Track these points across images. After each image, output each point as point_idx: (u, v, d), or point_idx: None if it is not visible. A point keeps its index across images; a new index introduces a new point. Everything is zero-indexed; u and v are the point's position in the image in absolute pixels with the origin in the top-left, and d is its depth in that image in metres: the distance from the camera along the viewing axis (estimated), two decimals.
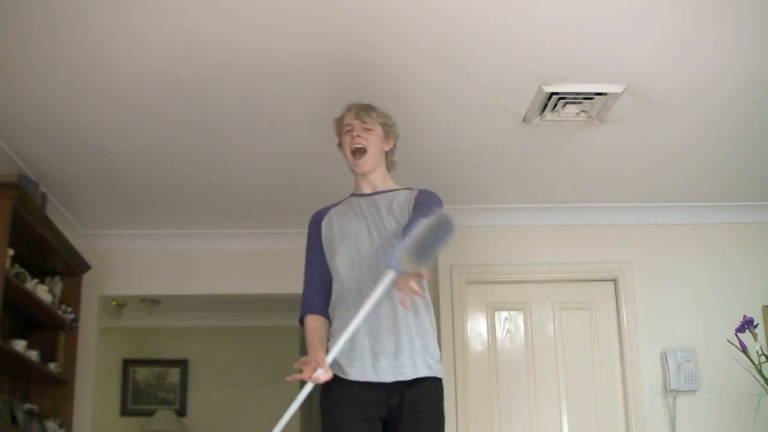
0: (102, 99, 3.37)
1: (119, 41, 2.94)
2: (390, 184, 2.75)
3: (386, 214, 2.60)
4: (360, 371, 2.46)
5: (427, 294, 2.56)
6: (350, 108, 2.74)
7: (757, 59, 3.16)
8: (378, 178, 2.72)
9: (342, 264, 2.56)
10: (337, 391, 2.48)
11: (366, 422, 2.44)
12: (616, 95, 3.40)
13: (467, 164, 4.14)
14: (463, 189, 4.47)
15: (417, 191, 2.67)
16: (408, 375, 2.46)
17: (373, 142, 2.67)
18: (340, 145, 2.75)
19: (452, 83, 3.31)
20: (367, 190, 2.71)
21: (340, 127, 2.75)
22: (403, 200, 2.63)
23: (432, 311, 2.61)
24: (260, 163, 4.04)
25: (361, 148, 2.65)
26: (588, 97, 3.42)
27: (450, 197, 4.57)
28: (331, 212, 2.71)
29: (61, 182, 4.21)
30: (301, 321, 2.63)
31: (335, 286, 2.59)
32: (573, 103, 3.47)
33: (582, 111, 3.55)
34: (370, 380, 2.45)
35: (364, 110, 2.71)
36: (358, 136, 2.66)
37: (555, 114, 3.55)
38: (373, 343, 2.46)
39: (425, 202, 2.58)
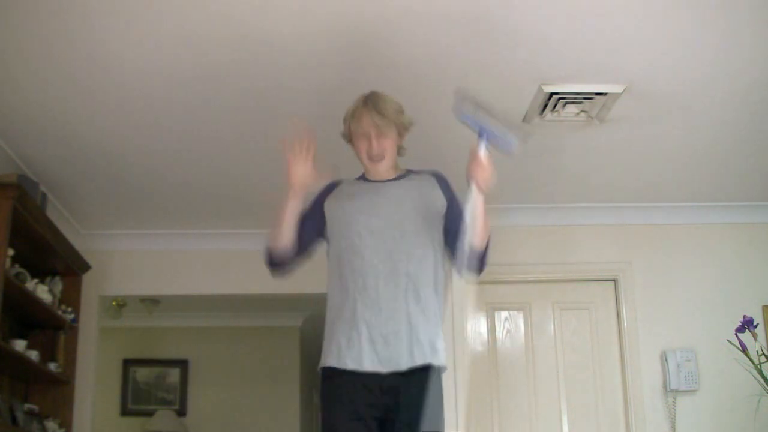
0: (102, 99, 3.37)
1: (119, 41, 2.94)
2: (396, 169, 2.69)
3: (399, 197, 2.58)
4: (356, 360, 2.40)
5: (441, 275, 2.56)
6: (363, 106, 2.61)
7: (758, 59, 3.16)
8: (388, 168, 2.66)
9: (360, 233, 2.51)
10: (332, 388, 2.45)
11: (359, 423, 2.40)
12: (616, 95, 3.40)
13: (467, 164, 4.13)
14: (463, 189, 4.46)
15: (435, 176, 2.67)
16: (403, 365, 2.40)
17: (389, 146, 2.60)
18: (347, 136, 2.66)
19: (452, 83, 3.31)
20: (374, 177, 2.65)
21: (352, 124, 2.62)
22: (424, 184, 2.63)
23: (442, 295, 2.57)
24: (261, 163, 4.04)
25: (378, 155, 2.59)
26: (588, 97, 3.42)
27: None
28: (341, 188, 2.66)
29: (61, 182, 4.21)
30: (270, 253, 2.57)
31: (339, 266, 2.54)
32: (573, 103, 3.47)
33: (582, 111, 3.54)
34: (366, 370, 2.40)
35: (378, 115, 2.57)
36: (377, 146, 2.58)
37: (555, 114, 3.55)
38: (370, 330, 2.42)
39: (458, 201, 2.61)
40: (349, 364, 2.41)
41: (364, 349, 2.41)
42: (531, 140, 3.84)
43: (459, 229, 2.47)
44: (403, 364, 2.41)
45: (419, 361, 2.42)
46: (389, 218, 2.53)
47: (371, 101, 2.61)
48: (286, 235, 2.54)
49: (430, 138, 3.83)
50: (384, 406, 2.42)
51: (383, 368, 2.40)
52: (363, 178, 2.69)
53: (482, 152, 2.41)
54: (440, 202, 2.60)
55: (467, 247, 2.43)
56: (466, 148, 2.46)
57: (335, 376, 2.44)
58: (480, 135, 2.43)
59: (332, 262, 2.59)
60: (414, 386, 2.41)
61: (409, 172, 2.70)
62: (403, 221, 2.53)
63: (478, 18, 2.84)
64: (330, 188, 2.67)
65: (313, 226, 2.61)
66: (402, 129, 2.65)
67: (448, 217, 2.59)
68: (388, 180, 2.65)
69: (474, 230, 2.44)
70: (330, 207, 2.62)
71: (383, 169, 2.63)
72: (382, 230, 2.51)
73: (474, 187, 2.42)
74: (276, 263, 2.60)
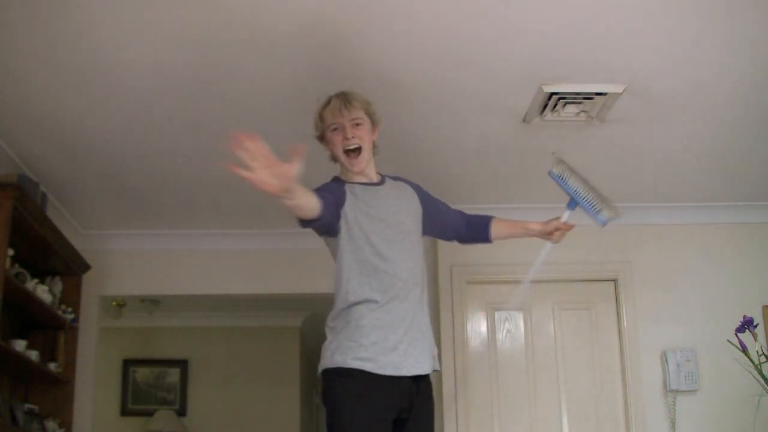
0: (102, 99, 3.37)
1: (118, 41, 2.94)
2: (375, 170, 2.73)
3: (397, 207, 2.66)
4: (389, 366, 2.43)
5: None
6: (331, 103, 2.62)
7: (758, 59, 3.16)
8: (370, 167, 2.69)
9: (378, 243, 2.52)
10: (362, 389, 2.42)
11: (385, 423, 2.45)
12: (616, 95, 3.40)
13: (467, 164, 4.14)
14: (463, 189, 4.47)
15: (410, 185, 2.79)
16: (427, 369, 2.54)
17: (365, 137, 2.60)
18: (322, 139, 2.65)
19: (452, 83, 3.31)
20: (360, 179, 2.64)
21: (323, 124, 2.63)
22: (408, 193, 2.76)
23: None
24: None
25: (356, 148, 2.58)
26: (588, 97, 3.42)
27: (450, 197, 4.55)
28: (352, 190, 2.60)
29: (61, 182, 4.21)
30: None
31: (360, 273, 2.51)
32: (573, 103, 3.47)
33: (582, 111, 3.54)
34: (400, 374, 2.44)
35: (346, 104, 2.58)
36: (352, 137, 2.57)
37: (555, 114, 3.55)
38: (398, 337, 2.47)
39: (437, 200, 2.88)
40: (379, 368, 2.43)
41: (391, 355, 2.45)
42: (531, 141, 3.85)
43: (451, 219, 2.90)
44: (426, 368, 2.53)
45: (435, 366, 2.59)
46: (400, 227, 2.60)
47: (343, 95, 2.62)
48: (311, 205, 2.38)
49: (429, 139, 3.83)
50: (399, 407, 2.48)
51: (408, 372, 2.48)
52: (349, 181, 2.63)
53: (566, 218, 2.81)
54: (420, 209, 2.75)
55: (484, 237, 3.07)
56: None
57: (357, 376, 2.43)
58: (570, 204, 2.79)
59: (352, 266, 2.52)
60: (424, 389, 2.56)
61: (386, 177, 2.75)
62: (409, 231, 2.62)
63: (477, 17, 2.84)
64: (342, 185, 2.60)
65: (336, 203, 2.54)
66: (372, 118, 2.66)
67: (437, 214, 2.82)
68: (379, 184, 2.70)
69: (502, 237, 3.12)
70: (350, 209, 2.54)
71: (364, 164, 2.61)
72: (398, 239, 2.57)
73: (549, 246, 2.94)
74: (314, 225, 2.50)
